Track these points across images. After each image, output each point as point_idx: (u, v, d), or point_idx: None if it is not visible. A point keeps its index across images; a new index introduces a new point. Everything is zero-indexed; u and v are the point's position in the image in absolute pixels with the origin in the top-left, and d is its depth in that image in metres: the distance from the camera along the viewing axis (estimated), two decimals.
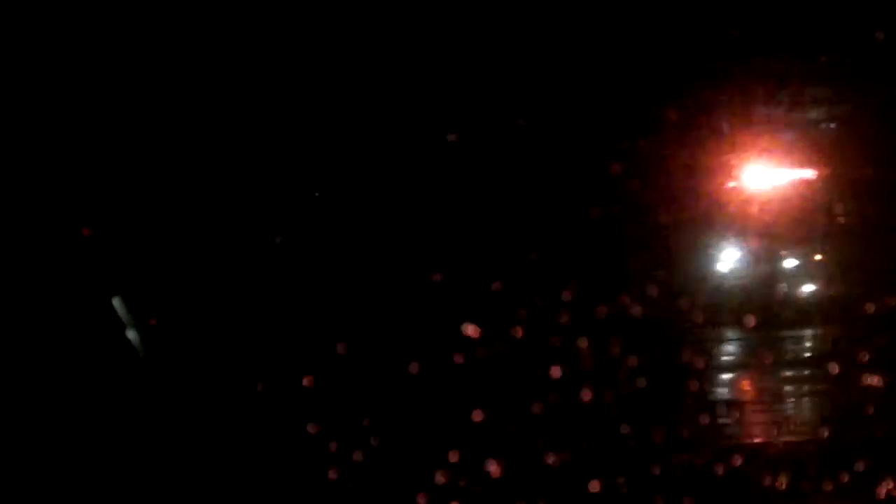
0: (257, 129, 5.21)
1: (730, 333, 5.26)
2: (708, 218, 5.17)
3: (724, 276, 5.24)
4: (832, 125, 5.23)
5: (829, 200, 5.12)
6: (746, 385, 5.50)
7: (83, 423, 5.28)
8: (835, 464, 5.01)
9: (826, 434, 5.17)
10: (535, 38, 5.03)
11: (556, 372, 5.03)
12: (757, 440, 5.39)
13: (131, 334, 5.48)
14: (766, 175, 5.18)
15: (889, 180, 5.14)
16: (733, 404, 5.41)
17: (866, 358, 5.05)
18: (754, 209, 5.14)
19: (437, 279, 5.08)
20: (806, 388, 5.43)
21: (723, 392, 5.42)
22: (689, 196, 5.15)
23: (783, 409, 5.46)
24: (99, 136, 5.29)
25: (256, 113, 5.19)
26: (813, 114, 5.22)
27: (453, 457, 5.02)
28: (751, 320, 5.14)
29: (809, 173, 5.20)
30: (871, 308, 5.06)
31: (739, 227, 5.18)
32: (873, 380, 5.00)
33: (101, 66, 5.21)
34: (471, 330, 5.10)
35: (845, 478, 4.96)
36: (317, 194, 5.29)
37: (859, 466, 4.98)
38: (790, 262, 5.29)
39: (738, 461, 5.13)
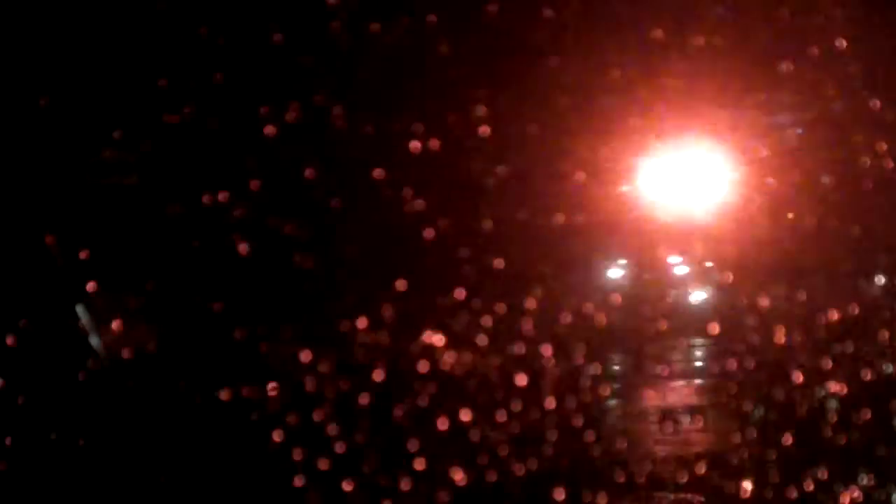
0: (224, 139, 5.20)
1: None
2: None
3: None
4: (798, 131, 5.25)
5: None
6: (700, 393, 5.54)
7: (46, 427, 5.27)
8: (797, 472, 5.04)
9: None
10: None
11: (521, 380, 5.04)
12: (719, 448, 5.41)
13: (94, 341, 5.46)
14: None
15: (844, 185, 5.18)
16: (692, 412, 5.45)
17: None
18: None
19: (401, 287, 5.07)
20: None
21: (679, 400, 5.45)
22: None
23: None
24: (62, 144, 5.28)
25: (223, 124, 5.18)
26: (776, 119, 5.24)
27: (419, 464, 5.02)
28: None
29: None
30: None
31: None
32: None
33: (65, 74, 5.20)
34: (435, 339, 5.11)
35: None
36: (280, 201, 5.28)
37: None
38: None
39: (701, 468, 5.16)
